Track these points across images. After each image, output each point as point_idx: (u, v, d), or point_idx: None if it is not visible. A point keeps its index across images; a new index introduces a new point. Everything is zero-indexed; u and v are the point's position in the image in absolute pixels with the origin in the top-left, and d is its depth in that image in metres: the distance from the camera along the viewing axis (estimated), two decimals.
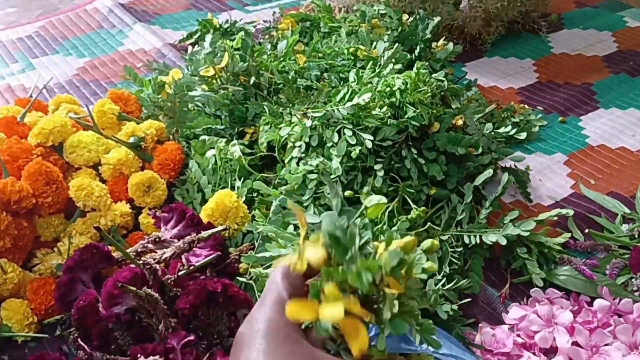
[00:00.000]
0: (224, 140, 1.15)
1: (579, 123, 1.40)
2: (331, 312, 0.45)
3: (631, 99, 1.48)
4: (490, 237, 0.93)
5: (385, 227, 0.95)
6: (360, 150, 1.00)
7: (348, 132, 1.02)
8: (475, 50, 1.71)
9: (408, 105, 1.03)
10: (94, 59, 1.66)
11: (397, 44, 1.26)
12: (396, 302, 0.47)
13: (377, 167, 1.01)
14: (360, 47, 1.32)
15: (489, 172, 1.00)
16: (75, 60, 1.65)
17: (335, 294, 0.46)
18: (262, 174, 1.12)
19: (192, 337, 0.80)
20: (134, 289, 0.78)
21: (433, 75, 1.08)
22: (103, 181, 1.09)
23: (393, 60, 1.21)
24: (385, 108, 1.03)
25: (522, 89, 1.54)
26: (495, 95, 1.51)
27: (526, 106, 1.42)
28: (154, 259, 0.86)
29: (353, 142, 1.01)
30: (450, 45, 1.38)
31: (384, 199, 0.58)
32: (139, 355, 0.78)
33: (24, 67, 1.61)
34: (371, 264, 0.48)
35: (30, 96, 1.37)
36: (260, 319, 0.50)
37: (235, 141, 1.14)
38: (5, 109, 1.23)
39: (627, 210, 1.11)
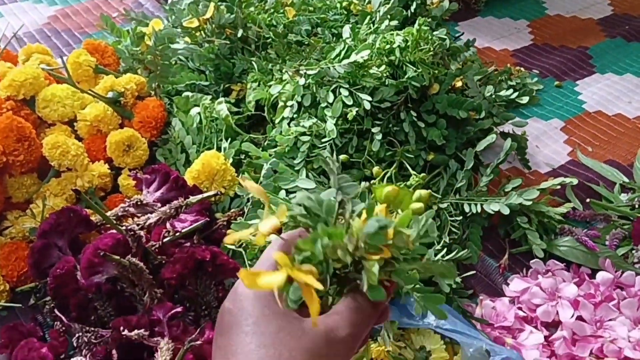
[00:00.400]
0: (209, 97, 1.08)
1: (575, 88, 1.36)
2: (269, 279, 0.42)
3: (627, 65, 1.44)
4: (492, 206, 0.89)
5: None
6: (357, 111, 0.95)
7: (344, 92, 0.96)
8: (469, 10, 1.64)
9: (408, 64, 0.97)
10: (66, 7, 1.55)
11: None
12: (375, 270, 0.43)
13: (374, 130, 0.96)
14: (354, 1, 1.25)
15: (491, 138, 0.96)
16: (46, 8, 1.54)
17: (285, 261, 0.42)
18: (250, 135, 1.05)
19: (179, 309, 0.75)
20: (117, 257, 0.72)
21: (434, 33, 1.02)
22: (79, 139, 1.01)
23: (389, 16, 1.14)
24: (383, 67, 0.97)
25: (517, 51, 1.49)
26: (490, 56, 1.45)
27: (522, 69, 1.37)
28: (138, 225, 0.80)
29: (349, 102, 0.95)
30: (446, 3, 1.30)
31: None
32: (122, 328, 0.72)
33: None
34: (338, 232, 0.44)
35: None
36: (246, 294, 0.45)
37: (221, 99, 1.07)
38: None
39: (626, 179, 1.08)
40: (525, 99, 1.09)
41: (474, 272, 0.91)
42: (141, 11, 1.45)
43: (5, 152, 0.89)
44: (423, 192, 0.51)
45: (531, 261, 0.92)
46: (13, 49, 1.30)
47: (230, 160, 0.99)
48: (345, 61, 0.97)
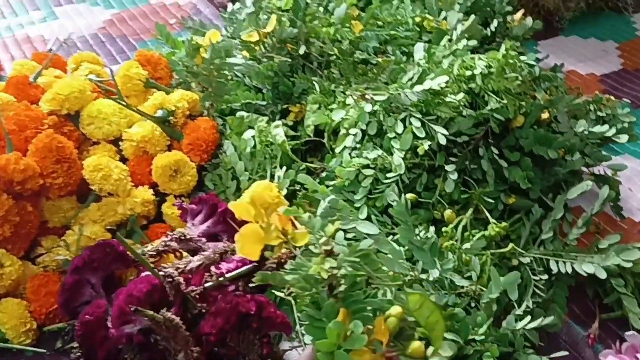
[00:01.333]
0: (265, 119, 0.99)
1: None
2: None
3: None
4: (586, 267, 0.76)
5: (456, 243, 0.79)
6: (429, 145, 0.83)
7: (415, 122, 0.85)
8: (550, 28, 1.49)
9: (490, 94, 0.86)
10: (123, 11, 1.50)
11: (472, 15, 1.07)
12: None
13: (448, 167, 0.84)
14: (428, 16, 1.14)
15: (587, 185, 0.83)
16: (103, 12, 1.49)
17: None
18: (307, 163, 0.96)
19: None
20: (151, 312, 0.64)
21: (523, 57, 0.89)
22: (123, 160, 0.94)
23: (466, 35, 1.03)
24: (462, 95, 0.86)
25: (605, 76, 1.34)
26: (574, 81, 1.31)
27: (612, 97, 1.22)
28: (177, 269, 0.71)
29: (421, 134, 0.85)
30: (529, 20, 1.18)
31: None
32: None
33: (45, 15, 1.46)
34: None
35: (50, 50, 1.21)
36: None
37: (278, 122, 0.98)
38: (19, 64, 1.08)
39: None
40: (623, 138, 0.95)
41: (555, 339, 0.79)
42: (199, 19, 1.37)
43: (43, 174, 0.83)
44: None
45: (627, 333, 0.78)
46: (65, 54, 1.24)
47: (284, 191, 0.90)
48: (419, 87, 0.86)
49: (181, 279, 0.69)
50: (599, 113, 1.14)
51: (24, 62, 1.09)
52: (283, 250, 0.84)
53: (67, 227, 0.88)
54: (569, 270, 0.78)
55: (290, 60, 1.05)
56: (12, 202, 0.80)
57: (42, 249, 0.85)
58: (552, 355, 0.71)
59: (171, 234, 0.80)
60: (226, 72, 1.03)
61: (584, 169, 0.97)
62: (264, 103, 1.05)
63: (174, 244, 0.80)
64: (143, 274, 0.74)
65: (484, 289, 0.72)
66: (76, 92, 0.92)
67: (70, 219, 0.88)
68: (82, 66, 1.07)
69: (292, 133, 0.99)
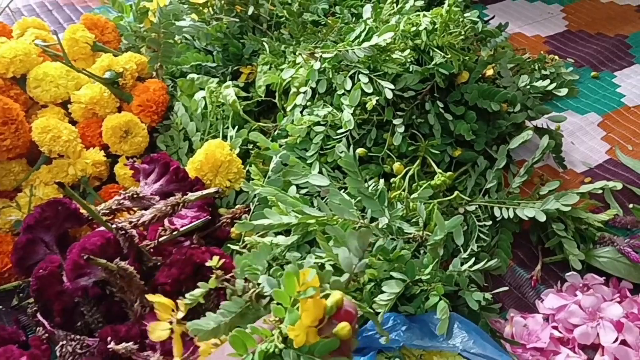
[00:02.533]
0: (216, 80, 0.99)
1: (614, 80, 1.25)
2: None
3: None
4: (527, 212, 0.79)
5: (404, 194, 0.82)
6: (377, 100, 0.85)
7: (363, 79, 0.87)
8: None
9: (435, 49, 0.88)
10: None
11: None
12: None
13: (396, 121, 0.86)
14: None
15: (527, 134, 0.86)
16: None
17: None
18: (259, 123, 0.96)
19: None
20: (104, 261, 0.64)
21: (465, 15, 0.92)
22: (73, 123, 0.93)
23: None
24: (408, 51, 0.88)
25: (551, 37, 1.38)
26: (521, 43, 1.35)
27: (557, 57, 1.26)
28: (130, 223, 0.71)
29: (369, 90, 0.86)
30: None
31: None
32: (109, 339, 0.64)
33: None
34: None
35: None
36: None
37: (229, 82, 0.98)
38: None
39: None
40: (563, 91, 0.99)
41: (500, 282, 0.83)
42: None
43: None
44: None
45: (567, 274, 0.82)
46: (10, 22, 1.21)
47: (237, 150, 0.91)
48: (366, 44, 0.88)
49: (134, 232, 0.70)
50: (544, 72, 1.18)
51: None
52: (238, 206, 0.86)
53: (18, 190, 0.87)
54: (512, 216, 0.81)
55: (239, 21, 1.05)
56: None
57: None
58: (494, 291, 0.74)
59: (124, 192, 0.80)
60: (175, 34, 1.02)
61: (527, 123, 1.01)
62: (214, 65, 1.04)
63: (127, 202, 0.80)
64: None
65: (431, 234, 0.75)
66: (21, 55, 0.91)
67: (20, 181, 0.87)
68: (28, 32, 1.05)
69: (243, 94, 1.00)
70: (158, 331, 0.59)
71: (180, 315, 0.61)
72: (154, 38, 1.00)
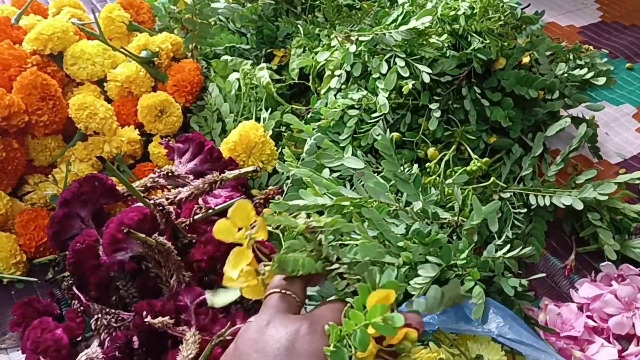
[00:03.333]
0: (250, 62, 0.99)
1: None
2: None
3: None
4: (564, 200, 0.79)
5: (439, 179, 0.81)
6: (413, 85, 0.85)
7: (400, 62, 0.86)
8: None
9: (474, 34, 0.87)
10: None
11: None
12: None
13: (432, 106, 0.86)
14: None
15: (564, 122, 0.85)
16: None
17: None
18: (292, 105, 0.96)
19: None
20: (143, 236, 0.64)
21: (505, 0, 0.90)
22: (108, 101, 0.93)
23: None
24: (445, 36, 0.87)
25: (585, 28, 1.36)
26: (555, 33, 1.33)
27: (591, 48, 1.24)
28: (167, 199, 0.72)
29: (405, 74, 0.85)
30: None
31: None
32: (145, 314, 0.65)
33: None
34: None
35: None
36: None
37: (262, 64, 0.98)
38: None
39: None
40: (601, 80, 0.97)
41: (533, 270, 0.82)
42: None
43: (28, 111, 0.82)
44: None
45: (601, 264, 0.81)
46: (44, 1, 1.22)
47: (270, 132, 0.91)
48: (403, 27, 0.87)
49: (171, 208, 0.70)
50: (578, 61, 1.16)
51: (4, 7, 1.07)
52: (270, 188, 0.86)
53: (53, 166, 0.88)
54: (547, 204, 0.80)
55: (273, 3, 1.04)
56: None
57: (29, 187, 0.85)
58: (530, 278, 0.74)
59: (159, 170, 0.81)
60: (209, 16, 1.02)
61: (563, 112, 0.99)
62: (248, 47, 1.04)
63: (161, 180, 0.80)
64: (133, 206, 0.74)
65: (466, 220, 0.74)
66: (59, 32, 0.91)
67: (56, 157, 0.87)
68: (64, 10, 1.06)
69: (276, 77, 0.99)
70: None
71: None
72: (190, 19, 1.00)
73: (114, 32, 1.00)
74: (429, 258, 0.67)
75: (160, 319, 0.63)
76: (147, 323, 0.64)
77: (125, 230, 0.63)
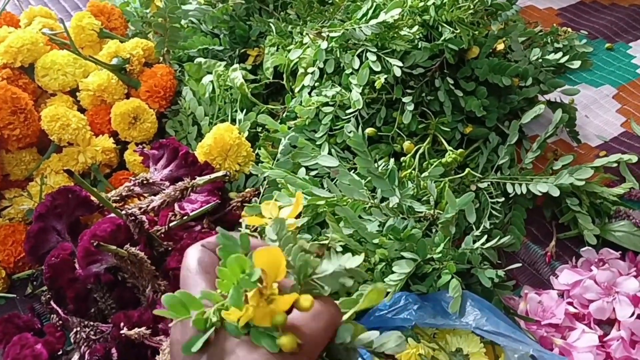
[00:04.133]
0: (223, 64, 0.99)
1: (628, 51, 1.22)
2: None
3: None
4: (540, 187, 0.78)
5: (415, 172, 0.81)
6: (386, 79, 0.84)
7: (371, 57, 0.86)
8: None
9: (444, 24, 0.86)
10: None
11: None
12: None
13: (405, 99, 0.85)
14: None
15: (539, 108, 0.85)
16: None
17: None
18: (268, 105, 0.96)
19: None
20: (114, 247, 0.64)
21: None
22: (82, 110, 0.93)
23: None
24: (416, 28, 0.86)
25: (563, 9, 1.35)
26: (533, 16, 1.32)
27: (570, 30, 1.23)
28: (140, 208, 0.71)
29: (377, 68, 0.85)
30: None
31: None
32: (122, 325, 0.65)
33: None
34: None
35: (3, 9, 1.18)
36: None
37: (236, 65, 0.97)
38: None
39: None
40: (576, 64, 0.97)
41: (514, 259, 0.82)
42: None
43: (0, 126, 0.82)
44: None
45: (582, 249, 0.81)
46: (17, 12, 1.21)
47: (246, 133, 0.90)
48: (373, 21, 0.86)
49: (144, 218, 0.70)
50: (556, 45, 1.16)
51: None
52: (247, 190, 0.85)
53: (30, 180, 0.87)
54: (524, 191, 0.80)
55: (245, 3, 1.03)
56: None
57: (5, 202, 0.85)
58: (507, 268, 0.73)
59: (134, 179, 0.80)
60: (181, 18, 1.01)
61: (540, 98, 0.99)
62: (221, 48, 1.04)
63: (137, 189, 0.80)
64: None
65: (442, 212, 0.74)
66: (28, 44, 0.91)
67: (31, 170, 0.87)
68: (35, 21, 1.05)
69: (251, 77, 0.99)
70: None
71: None
72: (161, 23, 0.99)
73: (85, 41, 1.00)
74: (404, 254, 0.67)
75: (136, 330, 0.63)
76: (124, 335, 0.63)
77: (95, 244, 0.63)
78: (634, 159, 0.85)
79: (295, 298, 0.35)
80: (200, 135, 0.93)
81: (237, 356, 0.35)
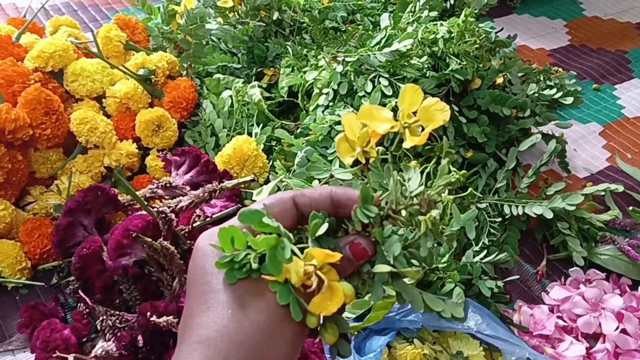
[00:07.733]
0: (241, 81, 1.05)
1: (614, 92, 1.32)
2: None
3: None
4: (535, 209, 0.85)
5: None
6: (396, 102, 0.91)
7: (384, 82, 0.93)
8: (504, 6, 1.60)
9: (451, 56, 0.94)
10: None
11: None
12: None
13: None
14: None
15: (535, 138, 0.92)
16: None
17: None
18: (282, 121, 1.02)
19: None
20: (150, 240, 0.69)
21: (480, 25, 0.98)
22: (107, 116, 0.98)
23: (428, 6, 1.10)
24: (425, 58, 0.94)
25: (554, 50, 1.45)
26: (527, 55, 1.41)
27: (560, 69, 1.32)
28: (169, 207, 0.76)
29: (389, 92, 0.92)
30: None
31: None
32: (149, 314, 0.69)
33: None
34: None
35: (24, 17, 1.24)
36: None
37: (254, 82, 1.03)
38: None
39: None
40: (569, 100, 1.05)
41: (507, 275, 0.88)
42: None
43: (32, 125, 0.86)
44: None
45: (570, 269, 0.88)
46: (39, 22, 1.27)
47: (262, 146, 0.96)
48: (387, 49, 0.93)
49: (173, 216, 0.75)
50: (549, 82, 1.24)
51: (2, 26, 1.11)
52: None
53: (53, 178, 0.92)
54: (520, 213, 0.87)
55: (263, 25, 1.10)
56: (4, 149, 0.83)
57: (30, 198, 0.89)
58: (505, 280, 0.80)
59: (157, 181, 0.85)
60: (203, 36, 1.07)
61: (534, 129, 1.07)
62: (239, 66, 1.10)
63: (160, 191, 0.85)
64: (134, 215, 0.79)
65: (446, 227, 0.80)
66: (60, 51, 0.95)
67: (57, 169, 0.91)
68: (61, 30, 1.10)
69: (266, 94, 1.05)
70: None
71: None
72: (185, 39, 1.05)
73: (111, 51, 1.05)
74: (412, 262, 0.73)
75: (164, 318, 0.68)
76: (151, 323, 0.68)
77: (133, 235, 0.68)
78: (620, 188, 0.93)
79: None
80: (217, 146, 0.99)
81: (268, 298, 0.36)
